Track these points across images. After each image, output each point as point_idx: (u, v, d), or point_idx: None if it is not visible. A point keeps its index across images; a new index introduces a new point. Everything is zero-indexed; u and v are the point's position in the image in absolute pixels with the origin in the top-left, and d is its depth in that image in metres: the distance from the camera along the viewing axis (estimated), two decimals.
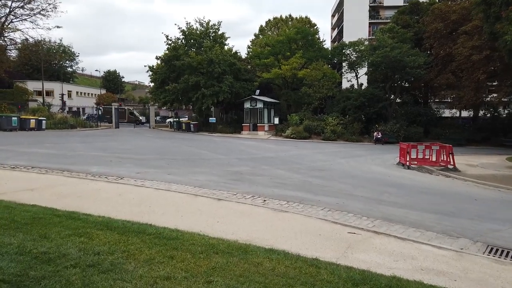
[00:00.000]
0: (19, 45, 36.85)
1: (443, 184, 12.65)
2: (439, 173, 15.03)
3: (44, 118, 32.66)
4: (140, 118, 54.70)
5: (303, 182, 11.07)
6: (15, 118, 29.75)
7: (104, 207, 7.22)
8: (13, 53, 44.45)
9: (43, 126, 31.96)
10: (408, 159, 16.11)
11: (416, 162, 16.21)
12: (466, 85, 31.48)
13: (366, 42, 38.05)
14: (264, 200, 8.52)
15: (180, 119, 44.48)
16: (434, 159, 16.66)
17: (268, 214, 7.23)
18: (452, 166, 15.54)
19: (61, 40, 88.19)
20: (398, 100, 38.12)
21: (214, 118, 39.28)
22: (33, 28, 36.85)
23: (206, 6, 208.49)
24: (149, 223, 5.99)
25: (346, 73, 39.98)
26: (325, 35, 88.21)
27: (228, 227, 6.22)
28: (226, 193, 9.09)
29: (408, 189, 10.89)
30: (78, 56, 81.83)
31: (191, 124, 39.63)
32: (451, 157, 15.61)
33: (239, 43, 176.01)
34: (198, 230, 5.93)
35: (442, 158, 16.27)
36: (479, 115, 39.17)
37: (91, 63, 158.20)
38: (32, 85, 56.23)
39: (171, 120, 48.72)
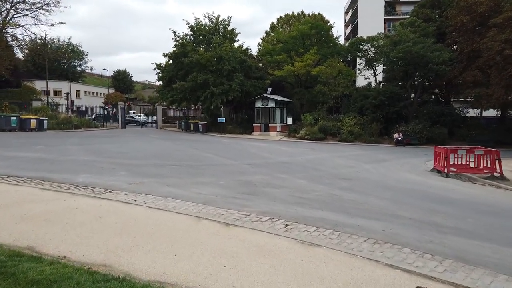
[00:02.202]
0: (21, 41, 35.33)
1: (498, 198, 10.50)
2: (485, 183, 12.86)
3: (46, 118, 31.12)
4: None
5: (330, 196, 9.05)
6: (15, 118, 28.24)
7: (71, 238, 5.33)
8: (16, 50, 43.27)
9: (45, 126, 30.42)
10: (445, 166, 13.96)
11: (455, 169, 14.04)
12: (496, 82, 29.01)
13: (387, 37, 35.83)
14: (286, 225, 6.54)
15: (188, 119, 42.68)
16: (473, 165, 14.49)
17: (295, 250, 5.25)
18: (499, 174, 13.36)
19: (69, 39, 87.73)
20: (418, 99, 35.80)
21: (224, 118, 37.35)
22: (35, 24, 35.23)
23: (217, 6, 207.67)
24: (124, 273, 4.07)
25: (364, 70, 37.71)
26: (338, 33, 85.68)
27: (241, 277, 4.26)
28: (237, 214, 7.14)
29: (462, 207, 8.80)
30: (87, 55, 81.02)
31: (199, 124, 37.77)
32: (497, 163, 13.43)
33: (250, 43, 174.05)
34: (197, 284, 3.99)
35: (485, 164, 14.09)
36: (507, 114, 36.67)
37: (103, 63, 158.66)
38: (40, 85, 55.47)
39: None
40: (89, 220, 6.28)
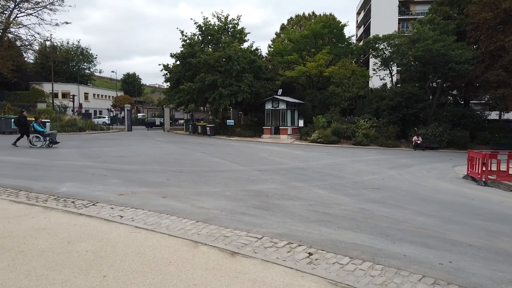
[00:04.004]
0: (25, 41, 34.39)
1: None
2: None
3: (48, 120, 30.01)
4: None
5: (359, 211, 7.48)
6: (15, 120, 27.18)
7: (17, 277, 3.86)
8: (24, 52, 42.60)
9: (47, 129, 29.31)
10: (483, 173, 12.27)
11: (495, 177, 12.35)
12: None
13: (406, 33, 34.19)
14: (310, 254, 5.00)
15: (196, 122, 41.39)
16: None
17: None
18: None
19: (79, 41, 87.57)
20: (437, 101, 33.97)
21: (232, 121, 35.95)
22: (39, 24, 34.37)
23: (229, 10, 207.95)
24: None
25: (379, 70, 36.00)
26: (350, 34, 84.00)
27: None
28: (245, 237, 5.62)
29: None
30: (96, 58, 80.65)
31: (207, 127, 36.40)
32: None
33: (261, 46, 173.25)
34: None
35: None
36: None
37: (116, 67, 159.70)
38: (48, 87, 55.04)
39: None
40: (53, 247, 4.83)
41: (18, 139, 17.59)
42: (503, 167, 12.86)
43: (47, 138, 17.71)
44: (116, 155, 15.42)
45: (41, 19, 32.00)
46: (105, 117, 50.98)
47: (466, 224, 6.83)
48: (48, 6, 31.68)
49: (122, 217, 6.47)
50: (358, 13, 76.52)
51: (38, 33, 37.51)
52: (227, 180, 10.55)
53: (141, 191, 8.50)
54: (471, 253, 5.28)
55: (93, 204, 7.23)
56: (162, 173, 11.12)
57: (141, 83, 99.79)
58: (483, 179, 12.23)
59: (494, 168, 12.57)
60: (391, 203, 8.31)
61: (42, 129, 18.18)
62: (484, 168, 12.17)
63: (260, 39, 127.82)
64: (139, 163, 13.26)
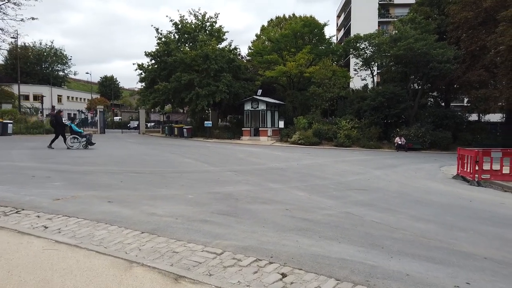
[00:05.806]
0: None
1: None
2: None
3: (11, 121, 27.95)
4: None
5: (346, 216, 6.24)
6: None
7: None
8: None
9: (9, 131, 27.23)
10: (476, 172, 11.29)
11: (489, 176, 11.38)
12: (505, 82, 26.77)
13: (386, 34, 33.60)
14: (283, 276, 3.72)
15: (172, 124, 39.75)
16: (508, 171, 11.86)
17: None
18: None
19: (52, 42, 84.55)
20: (419, 102, 33.44)
21: (210, 122, 34.46)
22: (2, 19, 32.04)
23: (211, 13, 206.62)
24: None
25: (360, 70, 35.30)
26: (331, 35, 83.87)
27: None
28: (201, 252, 4.29)
29: None
30: (70, 59, 77.87)
31: (184, 128, 34.79)
32: None
33: (243, 49, 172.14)
34: None
35: None
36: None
37: (94, 70, 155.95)
38: (20, 89, 52.46)
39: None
40: None
41: (53, 141, 16.95)
42: (495, 166, 11.94)
43: (84, 139, 17.33)
44: (72, 156, 13.77)
45: (4, 13, 29.76)
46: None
47: (473, 231, 5.68)
48: (11, 0, 29.58)
49: (46, 228, 5.05)
50: (338, 16, 76.44)
51: (1, 29, 35.04)
52: (193, 181, 9.17)
53: (84, 195, 7.04)
54: (491, 269, 4.10)
55: (16, 212, 5.77)
56: (118, 175, 9.64)
57: (119, 86, 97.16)
58: (476, 179, 11.25)
59: (487, 167, 11.61)
60: (382, 206, 7.12)
61: (79, 130, 18.02)
62: (477, 167, 11.20)
63: (242, 43, 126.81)
64: (95, 164, 11.70)
